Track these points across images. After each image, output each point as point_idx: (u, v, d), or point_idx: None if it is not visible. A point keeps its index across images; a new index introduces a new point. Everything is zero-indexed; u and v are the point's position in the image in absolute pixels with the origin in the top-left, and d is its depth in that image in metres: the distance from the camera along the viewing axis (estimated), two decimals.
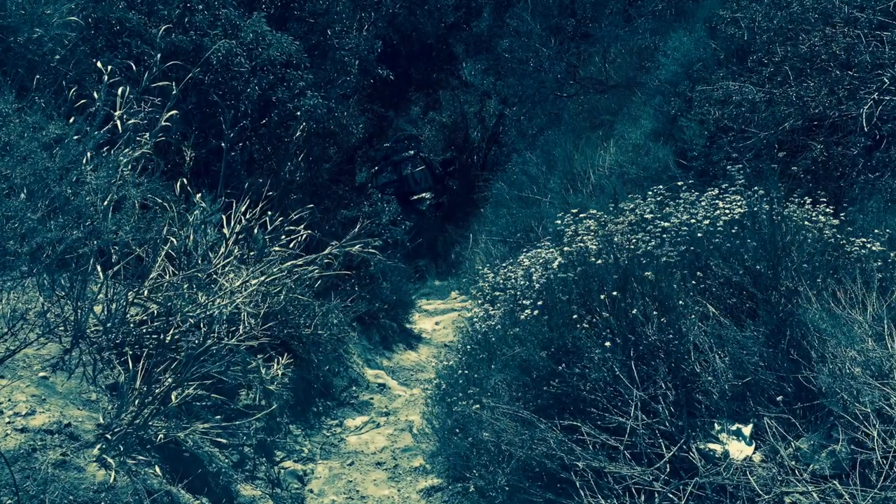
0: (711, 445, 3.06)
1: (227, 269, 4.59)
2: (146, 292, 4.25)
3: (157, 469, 3.39)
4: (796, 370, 3.05)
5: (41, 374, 3.54)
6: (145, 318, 4.23)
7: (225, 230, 4.85)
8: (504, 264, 5.14)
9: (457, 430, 4.13)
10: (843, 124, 5.31)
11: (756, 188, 4.10)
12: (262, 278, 4.70)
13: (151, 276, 4.21)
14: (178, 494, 3.40)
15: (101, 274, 3.93)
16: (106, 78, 4.12)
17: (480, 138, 16.58)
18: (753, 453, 3.00)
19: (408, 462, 4.90)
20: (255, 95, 6.23)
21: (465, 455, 3.96)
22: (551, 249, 4.46)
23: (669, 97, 7.55)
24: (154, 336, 4.09)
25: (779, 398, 3.04)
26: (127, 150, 4.13)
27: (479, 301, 5.16)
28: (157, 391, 3.50)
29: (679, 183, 4.51)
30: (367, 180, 14.10)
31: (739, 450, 3.01)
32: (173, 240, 4.34)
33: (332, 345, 6.29)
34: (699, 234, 3.80)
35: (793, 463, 2.83)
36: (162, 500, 3.23)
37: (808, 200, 4.07)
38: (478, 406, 3.86)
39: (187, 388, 3.66)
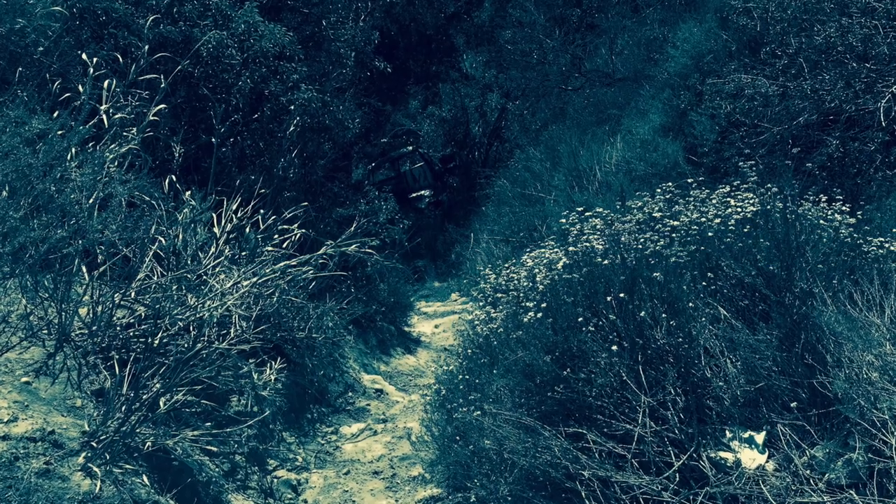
0: (723, 454, 3.06)
1: (217, 269, 4.59)
2: (133, 294, 4.25)
3: (145, 478, 3.39)
4: (811, 375, 3.05)
5: (24, 379, 3.54)
6: (132, 320, 4.23)
7: (215, 229, 4.85)
8: (506, 265, 5.14)
9: (457, 438, 4.13)
10: (860, 119, 5.31)
11: (769, 185, 4.10)
12: (255, 279, 4.70)
13: (139, 277, 4.21)
14: None
15: (86, 275, 3.93)
16: (91, 70, 4.12)
17: (482, 133, 16.58)
18: (766, 462, 3.00)
19: (406, 471, 4.90)
20: (246, 89, 6.23)
21: (465, 464, 3.96)
22: (556, 249, 4.46)
23: (679, 91, 7.56)
24: (141, 339, 4.09)
25: (793, 404, 3.04)
26: (113, 145, 4.13)
27: (481, 303, 5.16)
28: (144, 397, 3.50)
29: (689, 180, 4.52)
30: (364, 177, 14.10)
31: (752, 458, 3.01)
32: (162, 239, 4.33)
33: (327, 349, 6.29)
34: (710, 234, 3.80)
35: (807, 472, 2.83)
36: None
37: (824, 198, 4.07)
38: (479, 413, 3.86)
39: (176, 393, 3.66)
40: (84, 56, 4.35)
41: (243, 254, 5.02)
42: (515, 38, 12.83)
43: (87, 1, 5.55)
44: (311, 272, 5.41)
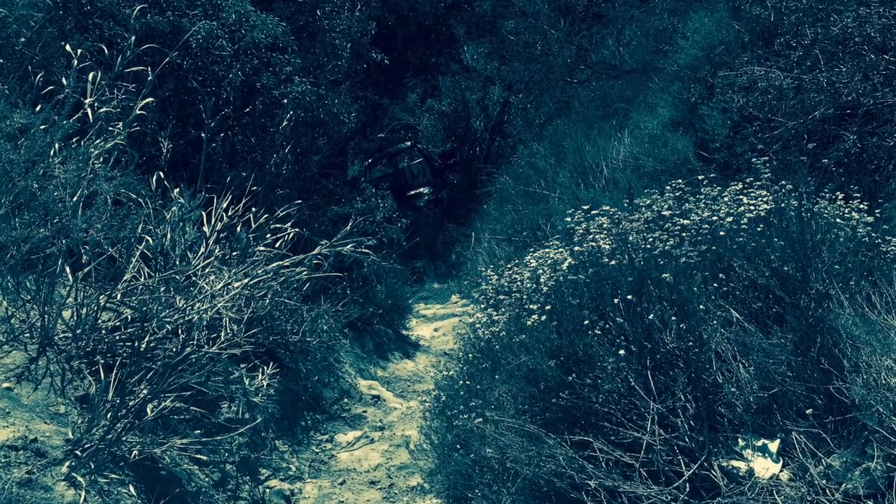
0: (735, 463, 3.06)
1: (207, 270, 4.60)
2: (119, 296, 4.25)
3: (132, 488, 3.39)
4: (827, 381, 3.05)
5: (5, 384, 3.54)
6: (118, 323, 4.22)
7: (205, 228, 4.85)
8: (509, 265, 5.15)
9: (458, 446, 4.14)
10: (879, 113, 5.31)
11: (783, 182, 4.10)
12: (246, 281, 4.70)
13: (125, 278, 4.21)
14: None
15: (70, 276, 3.93)
16: (75, 62, 4.12)
17: (483, 128, 16.59)
18: (781, 471, 3.00)
19: (404, 481, 4.90)
20: (237, 81, 6.23)
21: (466, 473, 3.96)
22: (560, 249, 4.47)
23: (689, 83, 7.56)
24: (128, 343, 4.09)
25: (808, 411, 3.04)
26: (98, 141, 4.13)
27: (482, 305, 5.16)
28: (131, 404, 3.50)
29: (700, 177, 4.52)
30: (360, 174, 14.11)
31: (765, 467, 3.01)
32: (149, 239, 4.34)
33: (321, 353, 6.29)
34: (721, 233, 3.80)
35: (823, 482, 2.84)
36: None
37: (840, 196, 4.07)
38: (480, 420, 3.86)
39: (164, 400, 3.66)
40: (68, 47, 4.35)
41: (234, 254, 5.02)
42: (518, 29, 12.84)
43: None
44: (304, 273, 5.41)
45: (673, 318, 3.43)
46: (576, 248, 4.09)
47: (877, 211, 3.97)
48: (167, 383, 3.64)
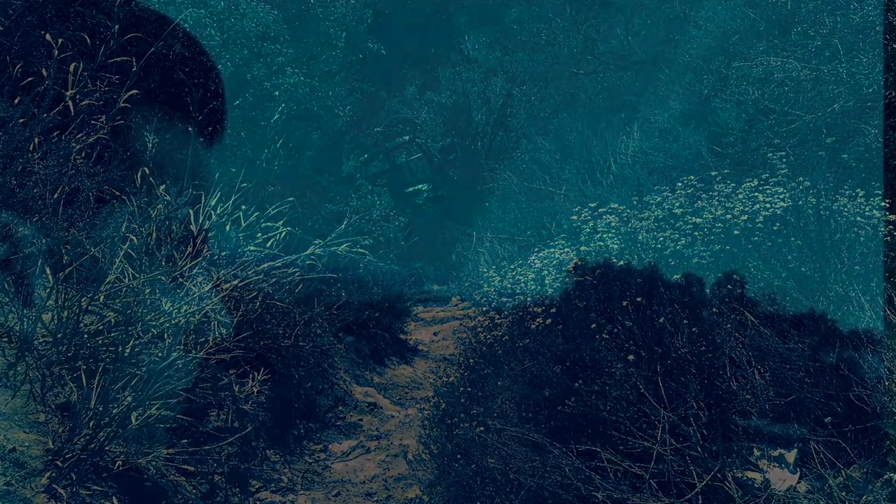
0: (750, 473, 3.06)
1: (195, 271, 4.59)
2: (102, 298, 4.25)
3: (115, 500, 3.39)
4: (846, 387, 3.05)
5: None
6: (101, 327, 4.22)
7: (193, 227, 4.85)
8: (512, 266, 5.15)
9: (458, 456, 4.14)
10: None
11: (801, 179, 4.10)
12: (236, 282, 4.70)
13: (108, 279, 4.21)
14: None
15: (50, 277, 3.93)
16: (56, 53, 4.12)
17: (485, 122, 16.59)
18: (798, 482, 3.00)
19: (402, 493, 4.90)
20: (226, 73, 6.23)
21: (467, 485, 3.96)
22: (566, 249, 4.47)
23: (702, 75, 7.57)
24: (111, 348, 4.08)
25: (827, 419, 3.04)
26: (80, 135, 4.13)
27: (484, 308, 5.17)
28: (114, 411, 3.50)
29: (713, 173, 4.52)
30: (356, 170, 14.12)
31: (782, 478, 3.01)
32: (133, 238, 4.33)
33: (315, 358, 6.28)
34: (736, 232, 3.80)
35: (843, 493, 2.83)
36: None
37: (861, 193, 4.07)
38: (482, 428, 3.86)
39: (149, 407, 3.66)
40: (48, 37, 4.35)
41: (223, 254, 5.02)
42: (522, 17, 12.86)
43: None
44: (297, 274, 5.41)
45: (684, 321, 3.43)
46: (582, 248, 4.10)
47: None
48: (152, 390, 3.64)
